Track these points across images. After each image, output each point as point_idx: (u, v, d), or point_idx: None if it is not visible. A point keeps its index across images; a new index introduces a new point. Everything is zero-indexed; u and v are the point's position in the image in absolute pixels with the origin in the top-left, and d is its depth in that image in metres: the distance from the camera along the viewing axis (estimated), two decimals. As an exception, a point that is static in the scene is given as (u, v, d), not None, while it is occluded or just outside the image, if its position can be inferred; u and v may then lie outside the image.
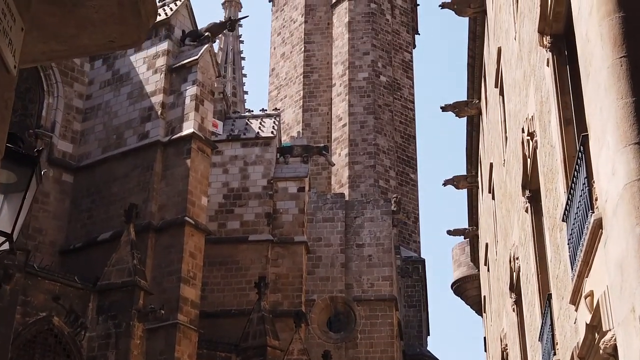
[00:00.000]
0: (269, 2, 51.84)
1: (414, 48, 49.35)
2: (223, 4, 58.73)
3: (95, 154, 24.80)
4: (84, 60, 25.90)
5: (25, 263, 18.81)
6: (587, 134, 7.01)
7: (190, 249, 22.24)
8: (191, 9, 25.71)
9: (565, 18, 8.81)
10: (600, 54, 6.32)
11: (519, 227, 13.29)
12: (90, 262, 22.54)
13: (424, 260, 41.37)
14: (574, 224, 7.66)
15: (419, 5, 51.54)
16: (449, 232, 27.69)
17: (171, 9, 25.47)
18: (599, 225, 6.48)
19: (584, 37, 7.01)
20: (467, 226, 27.89)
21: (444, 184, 25.32)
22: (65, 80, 25.36)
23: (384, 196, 38.53)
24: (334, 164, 40.51)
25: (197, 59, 23.93)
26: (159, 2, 26.34)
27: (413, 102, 46.95)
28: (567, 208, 7.91)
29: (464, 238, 29.03)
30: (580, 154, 7.20)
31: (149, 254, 22.20)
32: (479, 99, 22.07)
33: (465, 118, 23.73)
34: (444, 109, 22.73)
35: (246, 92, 60.19)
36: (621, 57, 6.07)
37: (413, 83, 47.61)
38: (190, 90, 23.63)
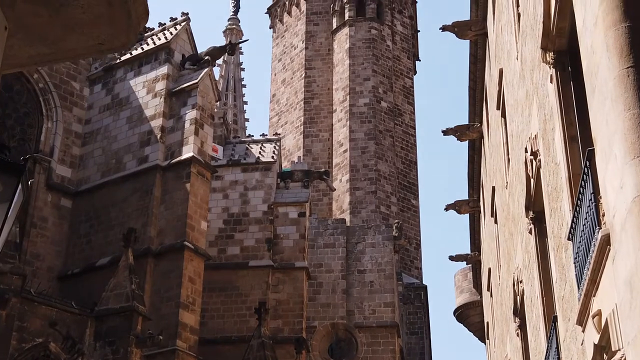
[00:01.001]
0: (270, 28, 51.98)
1: (414, 74, 49.42)
2: (224, 32, 58.92)
3: (94, 178, 24.65)
4: (83, 84, 25.84)
5: (21, 288, 18.60)
6: (593, 149, 6.87)
7: (190, 274, 22.02)
8: (191, 33, 25.67)
9: (568, 33, 8.71)
10: (607, 65, 6.18)
11: (523, 250, 13.13)
12: (89, 287, 22.31)
13: (426, 287, 41.10)
14: (580, 241, 7.50)
15: (419, 31, 51.71)
16: (451, 258, 27.49)
17: (171, 33, 25.43)
18: (606, 241, 6.32)
19: (589, 49, 6.88)
20: (469, 252, 27.72)
21: (446, 209, 25.18)
22: (65, 104, 25.27)
23: (385, 222, 38.31)
24: (335, 189, 40.35)
25: (196, 83, 23.84)
26: (158, 26, 26.35)
27: (414, 128, 46.91)
28: (573, 226, 7.76)
29: (467, 264, 28.86)
30: (586, 169, 7.05)
31: (148, 279, 21.98)
32: (481, 122, 22.00)
33: (466, 142, 23.67)
34: (446, 132, 22.65)
35: (247, 120, 60.25)
36: (628, 68, 5.94)
37: (414, 109, 47.59)
38: (190, 114, 23.52)
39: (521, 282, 13.49)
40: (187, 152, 23.09)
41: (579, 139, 8.46)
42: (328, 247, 33.78)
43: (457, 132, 22.68)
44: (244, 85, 62.70)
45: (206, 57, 24.57)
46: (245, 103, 61.96)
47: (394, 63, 47.10)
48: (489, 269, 22.17)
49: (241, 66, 63.37)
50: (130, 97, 24.96)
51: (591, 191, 6.90)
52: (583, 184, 7.17)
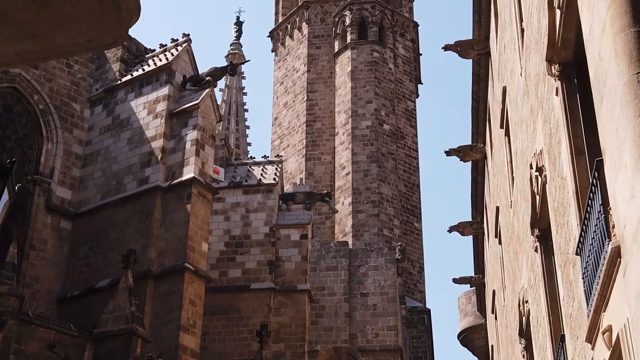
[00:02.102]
0: (272, 52, 52.02)
1: (416, 97, 49.36)
2: (226, 57, 59.07)
3: (94, 200, 24.48)
4: (84, 106, 25.76)
5: (19, 310, 18.36)
6: (602, 159, 6.71)
7: (190, 296, 21.77)
8: (192, 54, 25.58)
9: (574, 45, 8.58)
10: (615, 72, 6.03)
11: (528, 269, 12.98)
12: (88, 310, 22.07)
13: (429, 311, 40.80)
14: (589, 255, 7.32)
15: (421, 54, 51.72)
16: (455, 281, 27.29)
17: (172, 54, 25.35)
18: (616, 253, 6.14)
19: (597, 56, 6.74)
20: (473, 274, 27.53)
21: (449, 231, 25.05)
22: (65, 126, 25.17)
23: (388, 245, 38.07)
24: (337, 211, 40.14)
25: (198, 103, 23.72)
26: (160, 47, 26.28)
27: (417, 151, 46.76)
28: (581, 240, 7.58)
29: (470, 286, 28.66)
30: (594, 180, 6.88)
31: (148, 301, 21.73)
32: (484, 143, 21.91)
33: (469, 163, 23.56)
34: (449, 153, 22.54)
35: (249, 144, 60.28)
36: (638, 73, 5.79)
37: (416, 132, 47.48)
38: (191, 135, 23.39)
39: (527, 302, 13.33)
40: (188, 173, 22.92)
41: (586, 151, 8.31)
42: (330, 269, 33.55)
43: (460, 152, 22.58)
44: (246, 110, 62.83)
45: (207, 78, 24.45)
46: (248, 127, 62.03)
47: (396, 86, 47.04)
48: (494, 291, 21.96)
49: (243, 91, 63.57)
50: (131, 118, 24.85)
51: (600, 202, 6.73)
52: (591, 196, 7.01)
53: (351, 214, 41.64)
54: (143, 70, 25.52)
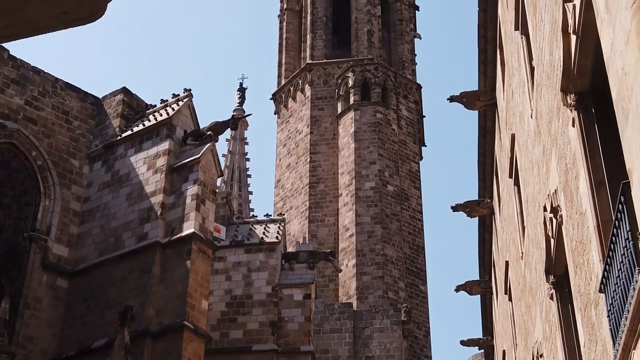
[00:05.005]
0: (275, 114, 51.98)
1: (420, 159, 49.12)
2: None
3: (91, 257, 23.94)
4: (83, 162, 25.40)
5: (9, 368, 17.69)
6: (628, 181, 6.26)
7: (189, 356, 21.06)
8: (193, 109, 25.32)
9: (591, 72, 8.22)
10: (643, 83, 5.59)
11: (542, 320, 12.52)
12: (84, 372, 21.38)
13: (436, 376, 39.88)
14: (614, 290, 6.82)
15: (424, 117, 51.65)
16: (463, 343, 26.75)
17: (173, 109, 25.08)
18: (649, 281, 5.62)
19: (620, 72, 6.34)
20: (481, 336, 27.01)
21: (457, 290, 24.62)
22: (63, 182, 24.76)
23: (394, 307, 37.36)
24: (341, 270, 39.55)
25: (198, 158, 23.33)
26: (161, 103, 26.05)
27: (421, 213, 46.29)
28: (605, 275, 7.10)
29: (479, 349, 28.07)
30: (620, 206, 6.40)
31: (146, 360, 21.03)
32: (491, 198, 21.62)
33: (476, 219, 23.21)
34: (455, 208, 22.20)
35: (252, 210, 59.87)
36: (668, 81, 5.35)
37: (421, 193, 47.08)
38: (192, 190, 22.94)
39: (541, 356, 12.86)
40: (188, 229, 22.42)
41: (607, 183, 7.89)
42: (334, 332, 32.88)
43: (467, 208, 22.26)
44: (249, 175, 62.77)
45: (208, 133, 24.15)
46: (251, 193, 61.87)
47: (400, 147, 46.83)
48: (504, 351, 21.38)
49: (246, 156, 63.57)
50: (131, 173, 24.46)
51: (628, 229, 6.25)
52: (617, 224, 6.53)
53: (355, 276, 40.99)
54: (143, 125, 25.25)
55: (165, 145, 24.09)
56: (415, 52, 52.48)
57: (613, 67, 6.57)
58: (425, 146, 51.12)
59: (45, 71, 25.85)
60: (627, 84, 6.14)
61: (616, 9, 6.31)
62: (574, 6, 7.80)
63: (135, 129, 25.34)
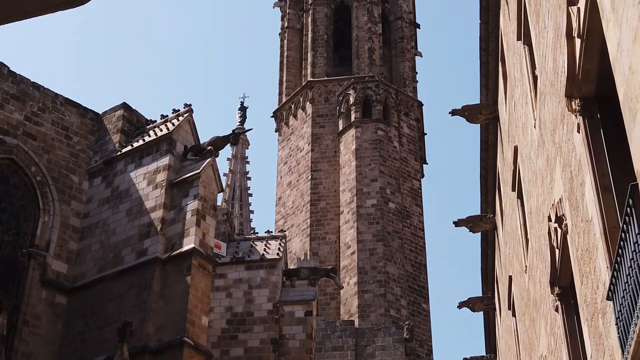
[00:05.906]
0: (276, 132, 51.90)
1: (422, 177, 48.95)
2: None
3: (90, 273, 23.72)
4: (82, 178, 25.23)
5: (7, 386, 17.45)
6: (637, 183, 6.10)
7: (189, 373, 20.83)
8: (194, 124, 25.19)
9: (595, 76, 8.09)
10: (651, 80, 5.45)
11: (547, 334, 12.35)
12: (83, 390, 21.11)
13: (439, 395, 39.53)
14: (623, 296, 6.65)
15: (426, 134, 51.53)
16: (466, 361, 26.53)
17: (173, 124, 24.95)
18: (660, 284, 5.45)
19: (627, 72, 6.21)
20: (484, 353, 26.89)
21: (459, 306, 24.47)
22: (63, 198, 24.59)
23: (396, 325, 37.07)
24: (342, 287, 39.27)
25: (199, 173, 23.17)
26: (160, 118, 25.93)
27: (423, 230, 46.07)
28: (613, 281, 6.91)
29: (483, 367, 27.78)
30: (628, 209, 6.23)
31: (145, 378, 20.77)
32: (494, 213, 21.50)
33: (479, 234, 23.08)
34: (457, 223, 22.09)
35: (253, 228, 59.62)
36: (677, 77, 5.20)
37: (422, 211, 46.87)
38: (192, 205, 22.76)
39: (546, 370, 12.61)
40: (188, 244, 22.21)
41: (613, 188, 7.73)
42: (336, 350, 32.56)
43: (469, 223, 22.13)
44: (250, 195, 62.53)
45: (209, 147, 24.00)
46: (252, 212, 61.60)
47: (401, 164, 46.69)
48: (507, 368, 21.13)
49: (247, 175, 63.39)
50: (130, 189, 24.30)
51: (637, 232, 6.08)
52: (625, 228, 6.36)
53: (357, 294, 40.72)
54: (143, 140, 25.11)
55: (165, 160, 23.95)
56: (416, 70, 52.54)
57: (620, 67, 6.45)
58: (427, 164, 51.03)
59: (45, 87, 25.76)
60: (634, 83, 6.00)
61: (623, 8, 6.19)
62: (579, 9, 7.68)
63: (135, 144, 25.20)
